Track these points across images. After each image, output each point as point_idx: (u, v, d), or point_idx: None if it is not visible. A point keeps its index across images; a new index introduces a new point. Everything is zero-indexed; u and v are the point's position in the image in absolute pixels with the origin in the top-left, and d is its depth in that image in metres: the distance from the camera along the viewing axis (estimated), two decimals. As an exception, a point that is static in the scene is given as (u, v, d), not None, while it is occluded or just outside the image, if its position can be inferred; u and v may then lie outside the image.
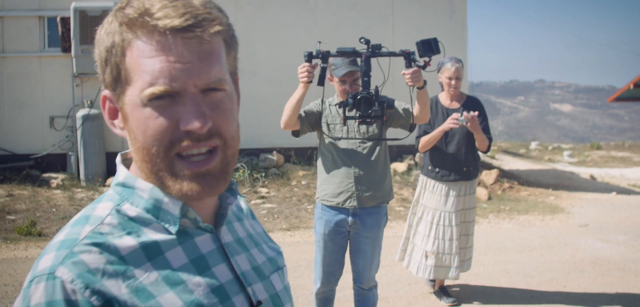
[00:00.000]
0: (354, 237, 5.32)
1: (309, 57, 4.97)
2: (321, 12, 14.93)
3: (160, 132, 1.31)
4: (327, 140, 5.33)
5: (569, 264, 9.03)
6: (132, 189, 1.39)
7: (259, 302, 1.47)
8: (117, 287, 1.24)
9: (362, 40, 4.99)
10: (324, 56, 5.00)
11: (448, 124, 6.62)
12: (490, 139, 6.86)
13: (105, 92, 1.40)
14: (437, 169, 6.94)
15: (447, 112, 6.89)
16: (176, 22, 1.28)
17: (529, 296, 7.60)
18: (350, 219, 5.25)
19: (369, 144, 5.27)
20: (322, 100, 5.31)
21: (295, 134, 5.34)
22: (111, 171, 13.51)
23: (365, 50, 4.99)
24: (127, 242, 1.31)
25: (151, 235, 1.35)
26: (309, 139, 14.36)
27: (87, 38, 13.14)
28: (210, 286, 1.36)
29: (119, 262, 1.28)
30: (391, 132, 5.57)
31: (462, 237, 7.05)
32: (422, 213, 7.10)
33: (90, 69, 13.25)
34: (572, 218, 12.43)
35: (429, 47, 5.07)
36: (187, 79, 1.30)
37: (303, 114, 5.26)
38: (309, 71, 4.95)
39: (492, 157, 21.03)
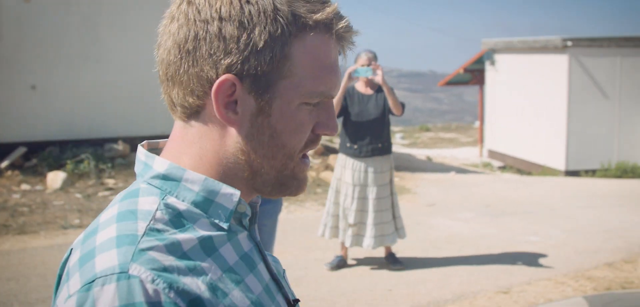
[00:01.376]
0: None
1: None
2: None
3: (303, 135, 1.27)
4: None
5: (426, 242, 9.35)
6: (178, 181, 1.22)
7: (296, 300, 1.39)
8: (196, 285, 1.10)
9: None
10: None
11: (344, 81, 7.31)
12: (402, 104, 7.58)
13: (228, 77, 1.18)
14: (355, 146, 7.54)
15: (362, 98, 7.56)
16: (345, 23, 1.26)
17: (396, 274, 7.81)
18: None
19: None
20: None
21: None
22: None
23: None
24: (186, 237, 1.15)
25: (201, 231, 1.19)
26: (156, 128, 14.05)
27: None
28: (262, 284, 1.26)
29: (187, 259, 1.12)
30: None
31: (393, 208, 7.82)
32: (346, 190, 7.62)
33: None
34: (419, 198, 12.89)
35: None
36: (339, 86, 1.30)
37: None
38: None
39: (330, 141, 21.39)
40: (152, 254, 1.08)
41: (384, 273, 7.86)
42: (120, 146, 13.46)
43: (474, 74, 25.63)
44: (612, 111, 19.11)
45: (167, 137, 1.35)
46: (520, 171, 20.22)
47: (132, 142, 13.88)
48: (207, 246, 1.18)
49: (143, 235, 1.11)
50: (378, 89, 7.65)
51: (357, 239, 7.69)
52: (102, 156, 13.09)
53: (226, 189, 1.23)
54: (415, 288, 7.35)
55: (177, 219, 1.18)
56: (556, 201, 13.08)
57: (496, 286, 7.44)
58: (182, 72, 1.21)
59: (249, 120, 1.22)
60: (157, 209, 1.17)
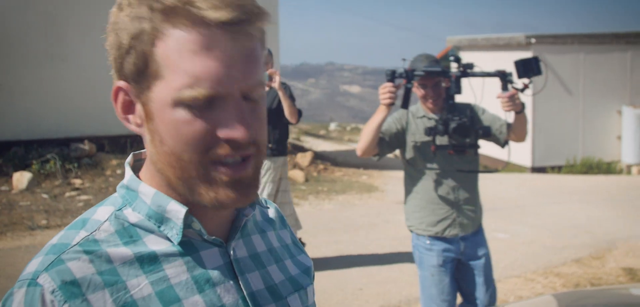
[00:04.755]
0: (464, 265, 4.81)
1: (392, 76, 4.50)
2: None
3: (195, 138, 1.17)
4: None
5: (396, 240, 9.38)
6: (135, 192, 1.26)
7: None
8: (102, 302, 1.13)
9: (451, 57, 4.53)
10: (409, 75, 4.48)
11: None
12: (300, 112, 7.24)
13: (120, 83, 1.22)
14: None
15: None
16: (227, 14, 1.13)
17: (366, 273, 7.81)
18: (462, 244, 4.73)
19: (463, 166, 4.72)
20: (407, 123, 4.69)
21: (375, 155, 4.75)
22: None
23: (455, 70, 4.54)
24: (121, 251, 1.19)
25: (151, 245, 1.22)
26: (123, 127, 13.89)
27: None
28: (210, 305, 1.23)
29: (110, 273, 1.16)
30: None
31: None
32: None
33: None
34: (387, 196, 12.93)
35: (529, 67, 4.55)
36: (233, 82, 1.16)
37: (381, 136, 4.64)
38: (392, 92, 4.45)
39: (298, 139, 21.41)
40: (70, 265, 1.14)
41: (355, 272, 7.87)
42: (86, 146, 13.29)
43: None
44: (577, 107, 19.32)
45: (136, 137, 1.35)
46: (486, 167, 20.36)
47: (98, 142, 13.72)
48: (146, 262, 1.20)
49: (74, 245, 1.17)
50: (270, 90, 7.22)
51: None
52: (68, 155, 12.93)
53: (173, 205, 1.24)
54: (385, 287, 7.36)
55: (125, 231, 1.22)
56: (524, 198, 13.19)
57: (467, 284, 7.47)
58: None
59: (145, 126, 1.22)
60: (106, 220, 1.22)
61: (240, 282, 1.29)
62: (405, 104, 4.56)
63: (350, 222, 10.60)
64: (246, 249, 1.36)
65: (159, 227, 1.23)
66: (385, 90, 4.46)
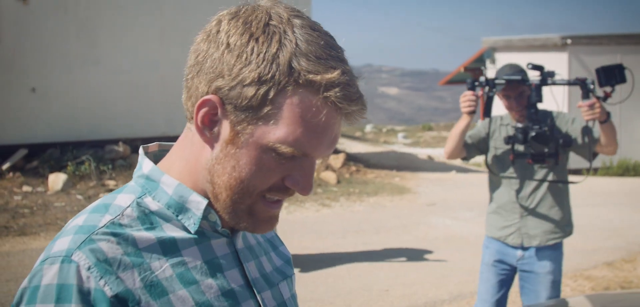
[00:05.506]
0: (522, 277, 4.76)
1: (472, 85, 4.58)
2: (165, -3, 14.54)
3: (269, 179, 1.28)
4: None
5: (425, 242, 9.36)
6: (157, 183, 1.35)
7: None
8: (131, 280, 1.22)
9: (530, 65, 4.51)
10: (489, 83, 4.51)
11: None
12: None
13: (213, 98, 1.25)
14: None
15: None
16: (353, 108, 1.25)
17: (393, 275, 7.82)
18: (519, 254, 4.70)
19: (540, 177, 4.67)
20: (492, 130, 4.72)
21: (463, 159, 4.89)
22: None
23: (536, 79, 4.54)
24: (145, 235, 1.28)
25: (169, 231, 1.32)
26: (157, 129, 14.07)
27: None
28: (221, 289, 1.34)
29: (136, 255, 1.25)
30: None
31: None
32: None
33: None
34: (419, 198, 12.90)
35: (612, 74, 4.45)
36: (323, 153, 1.29)
37: (469, 141, 4.75)
38: (471, 100, 4.50)
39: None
40: (101, 244, 1.22)
41: (381, 273, 7.87)
42: (120, 147, 13.48)
43: (475, 73, 25.62)
44: (613, 109, 19.03)
45: (169, 138, 1.41)
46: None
47: (133, 144, 13.89)
48: (166, 246, 1.30)
49: (101, 227, 1.25)
50: None
51: None
52: (102, 157, 13.11)
53: (195, 197, 1.33)
54: (412, 288, 7.36)
55: (146, 217, 1.31)
56: (556, 200, 13.07)
57: (494, 286, 7.44)
58: (190, 78, 1.30)
59: (221, 144, 1.28)
60: (128, 206, 1.31)
61: (244, 269, 1.41)
62: (487, 112, 4.62)
63: (380, 224, 10.60)
64: (243, 241, 1.46)
65: (177, 216, 1.33)
66: (465, 98, 4.52)
